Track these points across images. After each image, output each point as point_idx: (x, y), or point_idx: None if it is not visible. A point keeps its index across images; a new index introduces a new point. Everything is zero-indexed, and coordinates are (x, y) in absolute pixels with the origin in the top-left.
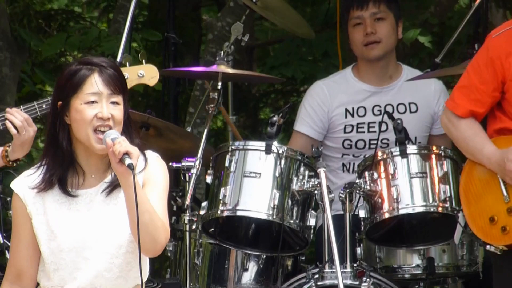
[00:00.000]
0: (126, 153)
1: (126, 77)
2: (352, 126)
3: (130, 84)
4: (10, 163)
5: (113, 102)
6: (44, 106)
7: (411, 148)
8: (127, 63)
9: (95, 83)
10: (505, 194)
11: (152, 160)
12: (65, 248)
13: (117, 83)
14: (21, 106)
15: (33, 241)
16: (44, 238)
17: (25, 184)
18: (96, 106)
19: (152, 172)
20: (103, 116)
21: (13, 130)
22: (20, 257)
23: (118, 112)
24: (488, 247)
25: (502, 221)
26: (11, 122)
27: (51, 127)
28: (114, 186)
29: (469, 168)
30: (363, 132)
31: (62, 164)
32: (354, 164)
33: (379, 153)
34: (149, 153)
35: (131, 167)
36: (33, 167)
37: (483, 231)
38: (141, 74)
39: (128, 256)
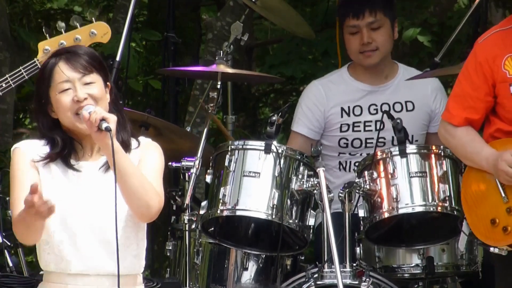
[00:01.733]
0: (102, 119)
1: (79, 39)
2: (348, 125)
3: (84, 44)
4: None
5: (87, 83)
6: (16, 76)
7: (411, 148)
8: (78, 24)
9: (62, 71)
10: (503, 195)
11: (145, 142)
12: (66, 218)
13: (86, 64)
14: (21, 68)
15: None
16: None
17: (31, 151)
18: (70, 92)
19: (146, 152)
20: (78, 98)
21: None
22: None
23: (94, 90)
24: (492, 249)
25: (503, 222)
26: None
27: (41, 127)
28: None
29: (468, 176)
30: (359, 131)
31: (59, 147)
32: (350, 162)
33: (379, 153)
34: (142, 137)
35: (108, 129)
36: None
37: (485, 235)
38: (93, 33)
39: (128, 230)
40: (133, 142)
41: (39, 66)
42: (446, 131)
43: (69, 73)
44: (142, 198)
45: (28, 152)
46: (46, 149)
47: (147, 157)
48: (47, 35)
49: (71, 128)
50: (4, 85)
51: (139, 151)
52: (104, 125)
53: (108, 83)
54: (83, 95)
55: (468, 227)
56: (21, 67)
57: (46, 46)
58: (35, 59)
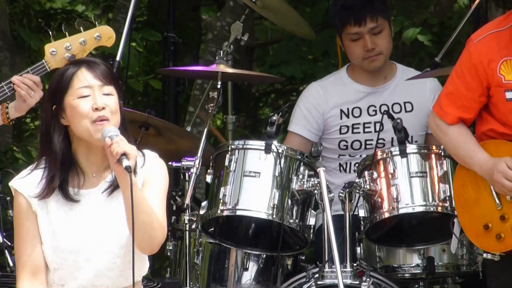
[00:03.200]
0: (124, 154)
1: (84, 43)
2: (348, 127)
3: (89, 47)
4: (8, 120)
5: (105, 94)
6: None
7: (411, 148)
8: (81, 28)
9: (84, 77)
10: (497, 201)
11: (151, 160)
12: (66, 248)
13: (106, 75)
14: (3, 83)
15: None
16: (46, 237)
17: (26, 188)
18: (89, 99)
19: (151, 172)
20: (98, 106)
21: (21, 92)
22: (36, 253)
23: (112, 102)
24: (485, 255)
25: (496, 229)
26: (18, 86)
27: (45, 134)
28: (115, 185)
29: (461, 174)
30: (359, 132)
31: (61, 167)
32: (351, 163)
33: (379, 153)
34: (148, 152)
35: (128, 169)
36: (29, 168)
37: (478, 239)
38: (98, 36)
39: (129, 255)
40: (138, 159)
41: (47, 68)
42: (437, 126)
43: (90, 80)
44: (148, 233)
45: (28, 195)
46: (42, 183)
47: (152, 180)
48: (52, 38)
49: (83, 137)
50: (11, 86)
51: (144, 170)
52: (125, 163)
53: (120, 101)
54: (102, 104)
55: (459, 227)
56: (28, 69)
57: (53, 48)
58: (43, 60)
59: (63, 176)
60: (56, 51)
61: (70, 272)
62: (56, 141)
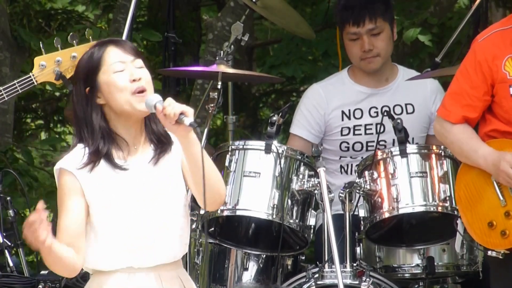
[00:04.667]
0: (182, 113)
1: (74, 58)
2: (349, 128)
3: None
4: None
5: (138, 67)
6: (10, 90)
7: (411, 148)
8: (75, 42)
9: (115, 53)
10: (501, 198)
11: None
12: (119, 220)
13: (135, 49)
14: (15, 81)
15: (85, 217)
16: (97, 213)
17: (72, 163)
18: (124, 72)
19: None
20: (135, 77)
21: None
22: (73, 228)
23: (146, 74)
24: (490, 252)
25: (501, 226)
26: None
27: (82, 118)
28: (159, 154)
29: (464, 174)
30: (360, 134)
31: (103, 141)
32: (352, 165)
33: (379, 153)
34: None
35: (193, 125)
36: (68, 151)
37: (482, 237)
38: (74, 56)
39: (181, 221)
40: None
41: (34, 82)
42: (442, 127)
43: (122, 55)
44: (215, 186)
45: (73, 171)
46: (87, 156)
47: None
48: (43, 51)
49: (123, 112)
50: (25, 83)
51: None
52: (187, 120)
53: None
54: (139, 75)
55: (463, 226)
56: (15, 81)
57: (42, 62)
58: (30, 74)
59: (107, 148)
60: (46, 65)
61: (124, 244)
62: (95, 121)
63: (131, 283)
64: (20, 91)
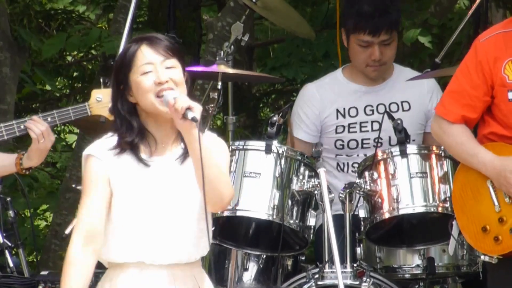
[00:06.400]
0: (188, 108)
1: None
2: (344, 126)
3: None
4: (23, 171)
5: (168, 67)
6: (63, 115)
7: (411, 148)
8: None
9: (145, 54)
10: (495, 203)
11: (212, 137)
12: (136, 213)
13: (167, 48)
14: (40, 114)
15: (107, 205)
16: (117, 202)
17: (103, 147)
18: (152, 74)
19: (213, 143)
20: (160, 80)
21: (33, 135)
22: (95, 220)
23: (176, 74)
24: (482, 257)
25: (494, 231)
26: (30, 129)
27: (118, 114)
28: (186, 154)
29: (460, 176)
30: (355, 132)
31: (135, 135)
32: (348, 163)
33: (379, 153)
34: (207, 132)
35: (195, 119)
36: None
37: (476, 241)
38: (99, 98)
39: (201, 223)
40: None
41: (88, 112)
42: (440, 128)
43: (151, 56)
44: (217, 188)
45: (102, 158)
46: (116, 143)
47: (217, 151)
48: (102, 85)
49: (151, 112)
50: (49, 119)
51: (208, 144)
52: (190, 114)
53: (185, 72)
54: (165, 78)
55: (458, 228)
56: (69, 108)
57: (99, 95)
58: (86, 103)
59: (137, 142)
60: (102, 99)
61: (143, 240)
62: (129, 117)
63: (143, 278)
64: (72, 118)
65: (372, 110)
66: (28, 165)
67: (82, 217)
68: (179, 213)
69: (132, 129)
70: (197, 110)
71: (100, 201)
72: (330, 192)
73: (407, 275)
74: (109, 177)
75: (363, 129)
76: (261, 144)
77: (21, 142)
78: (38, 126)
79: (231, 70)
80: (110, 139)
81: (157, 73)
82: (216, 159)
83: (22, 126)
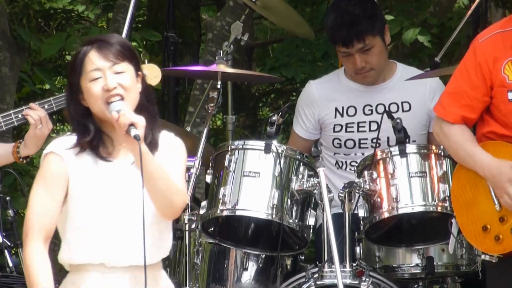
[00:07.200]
0: (131, 124)
1: None
2: (341, 125)
3: None
4: (20, 159)
5: (117, 72)
6: (59, 101)
7: (411, 148)
8: (146, 60)
9: (93, 60)
10: (496, 202)
11: (169, 138)
12: (95, 213)
13: (117, 53)
14: (37, 102)
15: (61, 203)
16: (76, 201)
17: (62, 145)
18: (100, 80)
19: (169, 148)
20: (108, 87)
21: (31, 120)
22: (50, 218)
23: (125, 79)
24: (483, 256)
25: (495, 230)
26: (29, 115)
27: (74, 114)
28: None
29: (460, 175)
30: (353, 131)
31: (93, 136)
32: (346, 162)
33: (379, 153)
34: (164, 132)
35: (137, 138)
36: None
37: (476, 240)
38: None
39: (161, 225)
40: (162, 135)
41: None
42: (440, 129)
43: (99, 62)
44: (167, 198)
45: (64, 156)
46: (76, 141)
47: (171, 155)
48: None
49: (102, 117)
50: (46, 106)
51: (163, 147)
52: (133, 132)
53: (139, 72)
54: (113, 84)
55: (457, 227)
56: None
57: None
58: None
59: (96, 142)
60: None
61: (100, 241)
62: (83, 120)
63: (105, 282)
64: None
65: (371, 110)
66: (25, 154)
67: (39, 214)
68: (137, 215)
69: (88, 131)
70: (140, 126)
71: (58, 197)
72: (329, 191)
73: (406, 275)
74: (68, 177)
75: (360, 129)
76: (260, 144)
77: (18, 138)
78: (36, 112)
79: (230, 70)
80: (70, 138)
81: (105, 80)
82: (165, 171)
83: (20, 116)
